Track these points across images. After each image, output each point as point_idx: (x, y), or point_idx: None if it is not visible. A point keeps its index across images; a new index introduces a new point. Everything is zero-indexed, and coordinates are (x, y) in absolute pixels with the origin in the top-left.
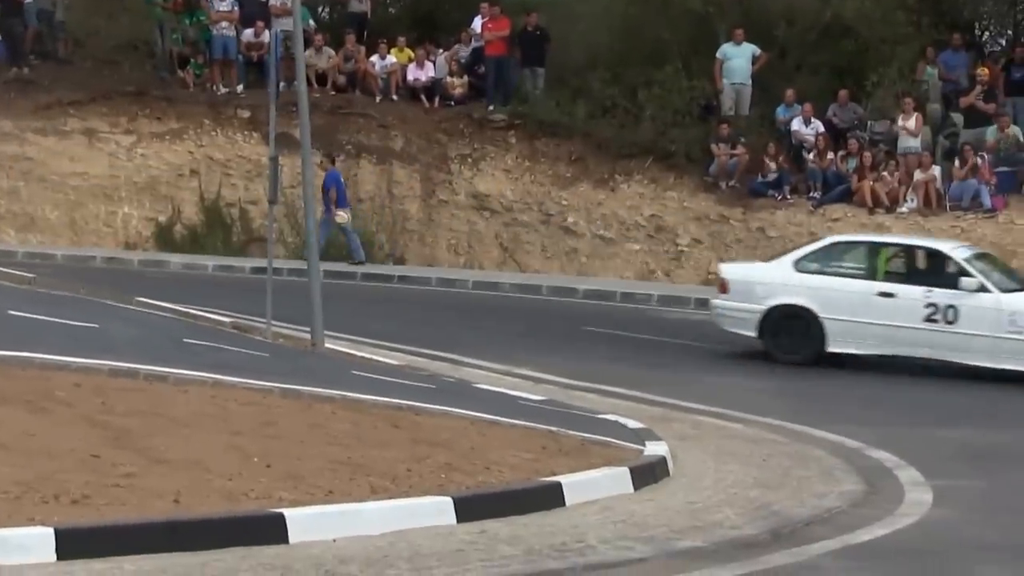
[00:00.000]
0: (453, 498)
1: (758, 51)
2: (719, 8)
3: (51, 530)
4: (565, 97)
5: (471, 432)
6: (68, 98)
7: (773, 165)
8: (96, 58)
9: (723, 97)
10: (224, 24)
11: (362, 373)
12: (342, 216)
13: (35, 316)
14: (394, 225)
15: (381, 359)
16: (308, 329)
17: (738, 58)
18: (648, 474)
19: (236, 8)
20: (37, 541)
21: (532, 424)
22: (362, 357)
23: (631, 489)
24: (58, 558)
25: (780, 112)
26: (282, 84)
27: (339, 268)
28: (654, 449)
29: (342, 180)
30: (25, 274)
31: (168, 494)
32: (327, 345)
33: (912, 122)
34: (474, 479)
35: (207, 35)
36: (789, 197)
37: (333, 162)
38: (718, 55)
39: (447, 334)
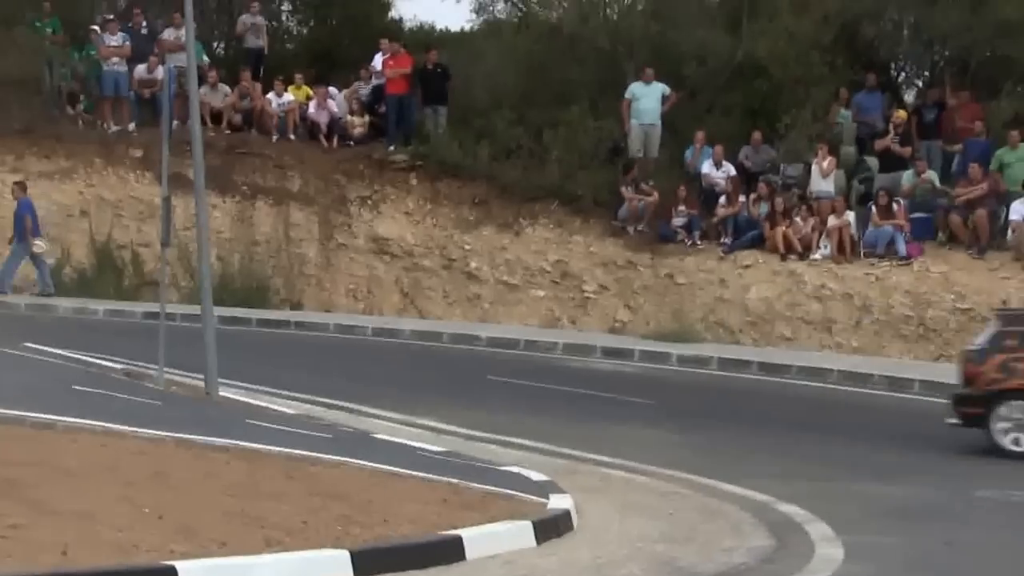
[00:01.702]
0: (351, 551)
1: (668, 90)
2: (627, 46)
3: None
4: (468, 138)
5: (369, 484)
6: None
7: (683, 209)
8: None
9: (631, 138)
10: (115, 60)
11: (257, 422)
12: (39, 245)
13: None
14: (291, 269)
15: (277, 408)
16: (202, 376)
17: (647, 98)
18: (551, 528)
19: (127, 43)
20: None
21: (433, 476)
22: (257, 406)
23: (534, 543)
24: None
25: (689, 154)
26: (175, 122)
27: (235, 313)
28: (558, 502)
29: (35, 208)
30: None
31: (55, 546)
32: (222, 393)
33: (826, 165)
34: (372, 532)
35: (97, 71)
36: (699, 243)
37: (24, 190)
38: (626, 95)
39: (345, 382)
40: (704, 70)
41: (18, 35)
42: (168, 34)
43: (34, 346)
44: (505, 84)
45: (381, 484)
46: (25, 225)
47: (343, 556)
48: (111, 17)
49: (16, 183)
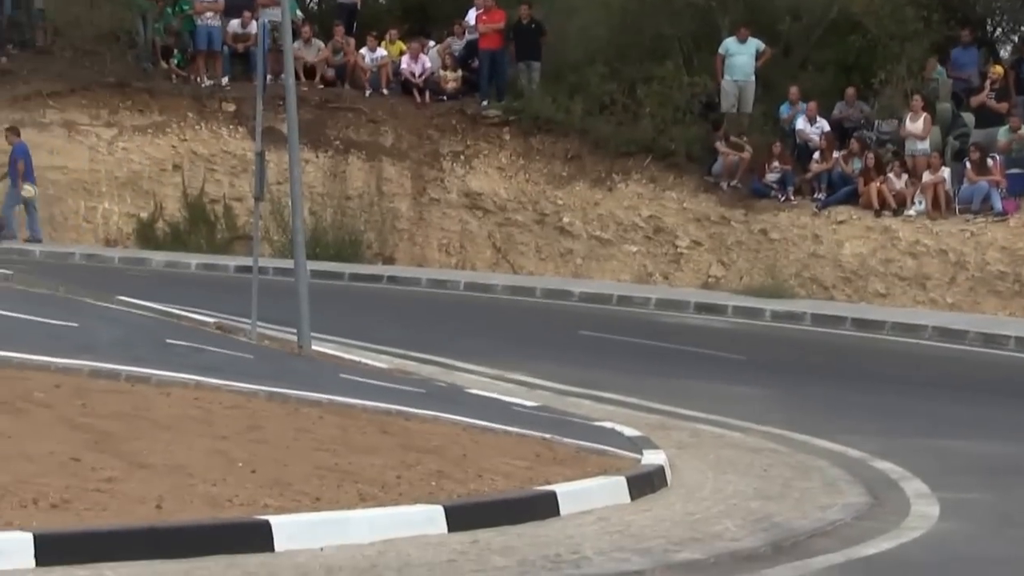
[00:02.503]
0: (444, 506)
1: (762, 46)
2: (722, 2)
3: (30, 535)
4: (562, 93)
5: (463, 439)
6: (47, 89)
7: (777, 165)
8: (76, 48)
9: (725, 94)
10: (209, 14)
11: (350, 377)
12: (28, 190)
13: (13, 314)
14: (383, 223)
15: (370, 362)
16: (294, 331)
17: (741, 54)
18: (645, 484)
19: None
20: (16, 546)
21: (526, 431)
22: (350, 360)
23: (628, 499)
24: (37, 564)
25: (784, 110)
26: (269, 77)
27: (327, 267)
28: (652, 458)
29: (29, 152)
30: (2, 271)
31: (150, 499)
32: (314, 347)
33: (920, 122)
34: (466, 487)
35: (191, 26)
36: (793, 198)
37: (18, 135)
38: (720, 51)
39: (438, 337)
40: (798, 26)
41: None
42: None
43: (127, 300)
44: (599, 39)
45: (474, 439)
46: (18, 169)
47: (437, 511)
48: None
49: (8, 128)
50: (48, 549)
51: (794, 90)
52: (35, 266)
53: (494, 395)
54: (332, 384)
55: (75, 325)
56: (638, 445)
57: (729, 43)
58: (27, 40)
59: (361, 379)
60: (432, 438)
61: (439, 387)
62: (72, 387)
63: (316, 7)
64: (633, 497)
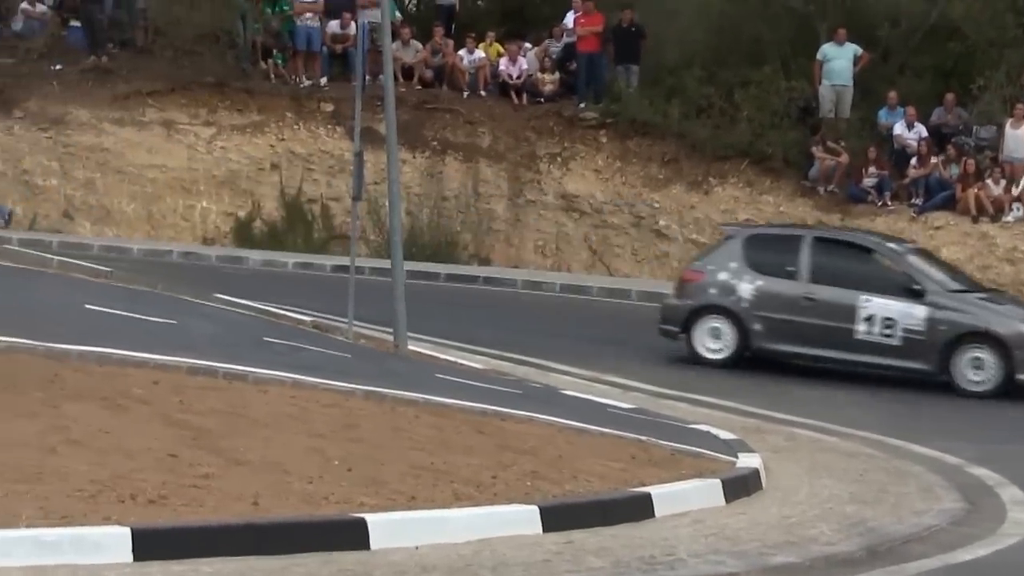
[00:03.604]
0: (539, 507)
1: (860, 51)
2: (820, 7)
3: (127, 530)
4: (659, 96)
5: (558, 439)
6: (147, 88)
7: (874, 170)
8: (176, 48)
9: (823, 99)
10: (308, 15)
11: (446, 377)
12: None
13: (112, 311)
14: (479, 225)
15: (465, 362)
16: (390, 330)
17: (839, 59)
18: (740, 487)
19: None
20: (113, 541)
21: (621, 433)
22: (446, 360)
23: (723, 502)
24: (134, 559)
25: (882, 115)
26: (367, 78)
27: (423, 268)
28: (747, 461)
29: None
30: (101, 268)
31: (247, 496)
32: (410, 347)
33: (1022, 129)
34: (561, 488)
35: (290, 26)
36: (890, 203)
37: None
38: (818, 56)
39: (533, 338)
40: (897, 31)
41: None
42: None
43: (225, 298)
44: (697, 42)
45: (569, 440)
46: None
47: (532, 511)
48: None
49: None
50: (145, 544)
51: (892, 95)
52: (134, 264)
53: (589, 396)
54: (428, 384)
55: (173, 323)
56: (733, 448)
57: (827, 48)
58: (128, 40)
59: (457, 379)
60: (527, 439)
61: (534, 388)
62: (170, 384)
63: (415, 8)
64: (728, 500)
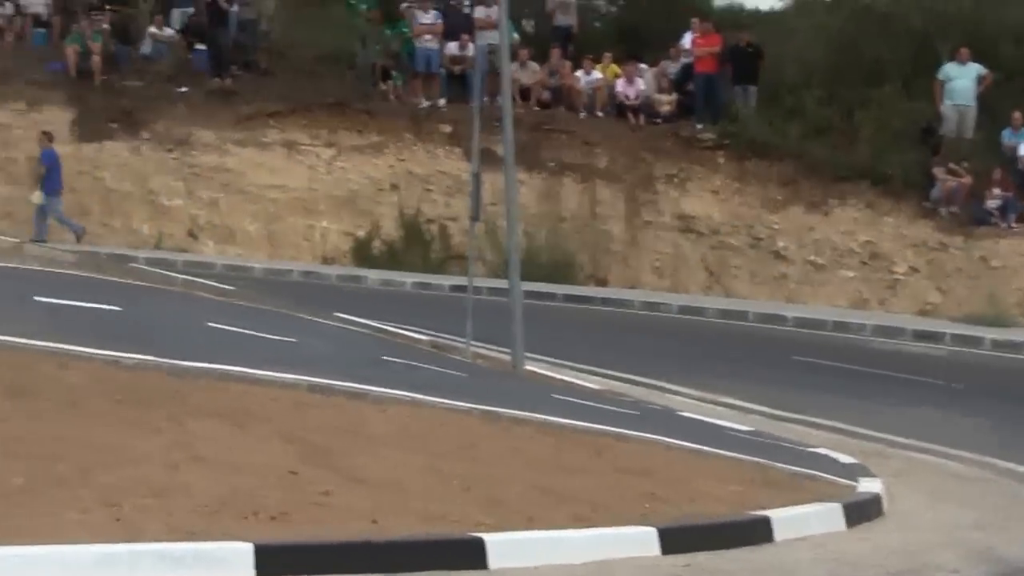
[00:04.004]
0: (658, 529)
1: (984, 71)
2: (941, 26)
3: (250, 546)
4: (777, 116)
5: (675, 461)
6: (269, 109)
7: (998, 191)
8: (297, 69)
9: (945, 119)
10: (428, 37)
11: (563, 397)
12: (37, 196)
13: (233, 329)
14: (596, 245)
15: (582, 383)
16: (507, 350)
17: (962, 79)
18: (861, 511)
19: (440, 21)
20: (236, 556)
21: (739, 455)
22: (562, 380)
23: (844, 527)
24: (257, 574)
25: (1006, 136)
26: (485, 99)
27: (540, 288)
28: (868, 486)
29: (57, 160)
30: (223, 286)
31: (366, 514)
32: (527, 367)
33: None
34: (679, 510)
35: (409, 47)
36: (1014, 226)
37: (51, 140)
38: (940, 76)
39: (650, 359)
40: (1021, 50)
41: (334, 12)
42: (480, 12)
43: (344, 316)
44: (816, 63)
45: (687, 462)
46: (40, 173)
47: (651, 533)
48: None
49: (44, 132)
50: (268, 560)
51: (1017, 115)
52: (255, 283)
53: (706, 418)
54: (545, 404)
55: (294, 340)
56: (853, 472)
57: (949, 67)
58: (251, 62)
59: (573, 399)
60: (645, 460)
61: (651, 409)
62: (290, 401)
63: (532, 30)
64: (849, 525)
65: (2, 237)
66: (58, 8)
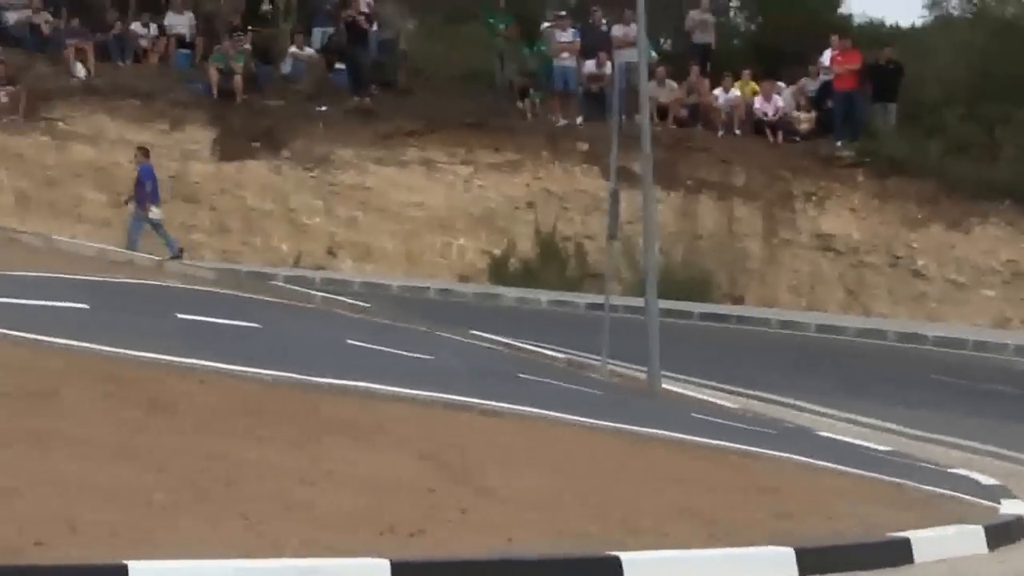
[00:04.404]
0: (795, 549)
1: None
2: None
3: (387, 562)
4: (918, 134)
5: (812, 481)
6: (407, 128)
7: None
8: (435, 88)
9: None
10: (565, 55)
11: (699, 416)
12: (155, 212)
13: (371, 346)
14: (733, 263)
15: (718, 402)
16: (643, 368)
17: None
18: (1004, 534)
19: (578, 39)
20: (374, 572)
21: (876, 475)
22: (699, 399)
23: (985, 549)
24: None
25: None
26: (623, 117)
27: (677, 306)
28: (1010, 508)
29: (155, 175)
30: (361, 304)
31: (502, 531)
32: (663, 385)
33: None
34: (815, 530)
35: (547, 66)
36: None
37: (147, 156)
38: None
39: (787, 378)
40: None
41: (472, 30)
42: (618, 30)
43: (480, 334)
44: (957, 80)
45: (824, 481)
46: (146, 190)
47: (788, 553)
48: (563, 13)
49: (140, 148)
50: None
51: None
52: (392, 299)
53: (844, 438)
54: (681, 423)
55: (430, 358)
56: (995, 493)
57: None
58: (390, 81)
59: (710, 418)
60: (781, 479)
61: (788, 428)
62: (426, 418)
63: (670, 47)
64: (991, 548)
65: (145, 255)
66: (201, 29)
